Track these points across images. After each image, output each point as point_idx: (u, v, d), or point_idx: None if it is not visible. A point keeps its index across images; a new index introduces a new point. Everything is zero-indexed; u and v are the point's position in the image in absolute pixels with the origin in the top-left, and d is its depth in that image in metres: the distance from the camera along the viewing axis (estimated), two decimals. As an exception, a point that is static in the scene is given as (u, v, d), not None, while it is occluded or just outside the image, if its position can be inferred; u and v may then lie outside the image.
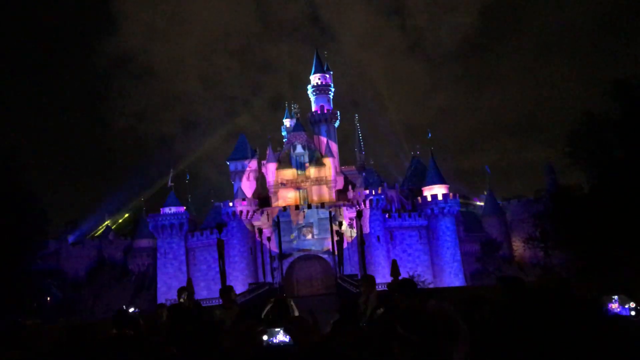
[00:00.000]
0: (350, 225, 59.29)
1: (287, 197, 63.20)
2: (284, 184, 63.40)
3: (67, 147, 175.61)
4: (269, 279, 56.22)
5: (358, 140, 79.15)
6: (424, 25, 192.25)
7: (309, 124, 69.94)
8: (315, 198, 62.56)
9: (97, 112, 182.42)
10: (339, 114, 70.35)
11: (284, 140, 72.92)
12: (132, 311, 39.54)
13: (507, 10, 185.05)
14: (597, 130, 30.24)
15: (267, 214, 61.20)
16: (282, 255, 58.23)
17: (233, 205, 62.49)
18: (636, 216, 26.23)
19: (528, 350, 3.68)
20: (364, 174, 68.39)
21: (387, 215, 64.71)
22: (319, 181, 63.58)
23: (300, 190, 63.33)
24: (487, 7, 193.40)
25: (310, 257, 59.15)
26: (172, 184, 72.08)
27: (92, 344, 4.91)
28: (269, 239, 58.89)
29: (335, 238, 55.58)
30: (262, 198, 65.06)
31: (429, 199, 65.47)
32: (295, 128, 67.74)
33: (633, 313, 4.30)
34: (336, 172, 65.21)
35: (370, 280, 8.49)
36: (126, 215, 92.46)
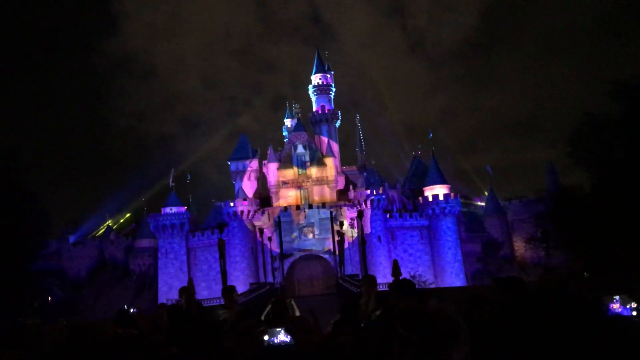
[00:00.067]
0: (351, 225, 59.33)
1: (288, 197, 63.22)
2: (285, 183, 63.42)
3: (68, 147, 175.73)
4: (269, 279, 56.27)
5: (359, 140, 79.20)
6: (425, 25, 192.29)
7: (310, 124, 69.97)
8: (316, 198, 62.58)
9: (98, 112, 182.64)
10: (340, 113, 70.43)
11: (285, 140, 72.95)
12: (132, 312, 39.56)
13: (508, 10, 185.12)
14: (598, 130, 30.22)
15: (268, 214, 61.25)
16: (283, 255, 58.27)
17: (234, 205, 62.52)
18: (637, 216, 26.22)
19: (528, 350, 3.68)
20: (365, 174, 68.42)
21: (388, 215, 64.70)
22: (320, 181, 63.60)
23: (302, 190, 63.35)
24: (488, 7, 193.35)
25: (311, 257, 59.16)
26: (173, 184, 72.14)
27: (92, 344, 4.90)
28: (269, 239, 58.93)
29: (336, 238, 55.64)
30: (263, 198, 65.09)
31: (430, 199, 65.49)
32: (296, 128, 67.76)
33: (634, 313, 4.29)
34: (337, 172, 65.23)
35: (371, 280, 8.47)
36: (127, 215, 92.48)
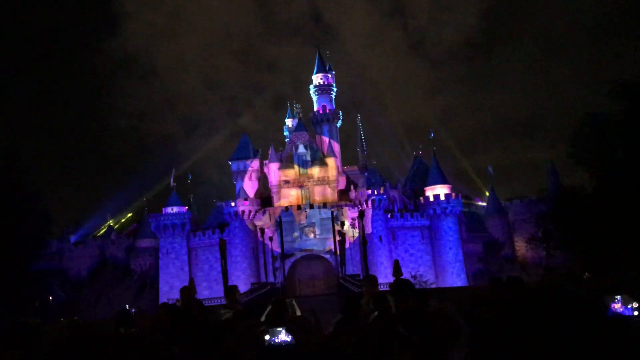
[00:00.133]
0: (353, 225, 59.34)
1: (289, 197, 63.23)
2: (287, 183, 63.41)
3: (69, 146, 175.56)
4: (271, 279, 56.27)
5: (360, 140, 79.21)
6: (426, 25, 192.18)
7: (311, 124, 69.95)
8: (317, 198, 62.59)
9: (99, 112, 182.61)
10: (341, 113, 70.45)
11: (286, 140, 72.90)
12: (132, 311, 39.53)
13: (508, 11, 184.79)
14: (600, 130, 30.16)
15: (269, 214, 61.28)
16: (284, 255, 58.30)
17: (235, 205, 62.54)
18: (638, 216, 26.19)
19: (528, 350, 3.67)
20: (366, 174, 68.43)
21: (389, 215, 64.68)
22: (321, 181, 63.61)
23: (303, 190, 63.36)
24: (488, 8, 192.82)
25: (312, 257, 59.16)
26: (174, 183, 72.18)
27: (93, 344, 4.90)
28: (271, 238, 58.93)
29: (338, 238, 55.61)
30: (264, 198, 65.10)
31: (431, 199, 65.46)
32: (298, 128, 67.75)
33: (636, 313, 4.29)
34: (338, 172, 65.22)
35: (372, 280, 8.47)
36: (128, 215, 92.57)
